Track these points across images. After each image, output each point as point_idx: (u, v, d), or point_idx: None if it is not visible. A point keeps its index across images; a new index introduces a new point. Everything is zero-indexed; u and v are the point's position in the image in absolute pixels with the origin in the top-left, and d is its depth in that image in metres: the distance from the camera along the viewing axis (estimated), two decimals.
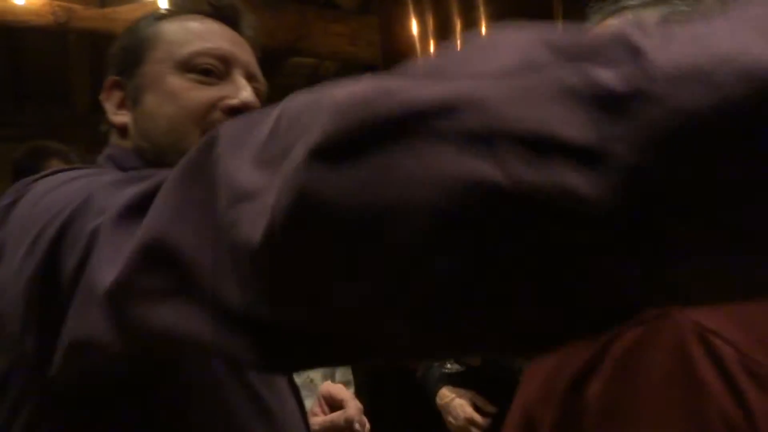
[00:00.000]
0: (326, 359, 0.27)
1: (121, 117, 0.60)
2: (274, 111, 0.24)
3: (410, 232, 0.17)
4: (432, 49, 2.87)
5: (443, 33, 2.82)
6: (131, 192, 0.32)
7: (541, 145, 0.16)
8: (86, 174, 0.44)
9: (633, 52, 0.15)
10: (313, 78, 3.94)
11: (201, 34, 0.60)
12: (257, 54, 0.64)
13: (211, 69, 0.58)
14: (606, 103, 0.15)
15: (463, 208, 0.17)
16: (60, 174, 0.46)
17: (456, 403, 1.39)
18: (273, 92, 0.71)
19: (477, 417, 1.35)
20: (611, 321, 0.19)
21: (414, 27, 2.97)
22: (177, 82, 0.57)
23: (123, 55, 0.62)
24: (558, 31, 0.18)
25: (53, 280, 0.37)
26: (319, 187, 0.18)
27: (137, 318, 0.29)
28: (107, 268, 0.30)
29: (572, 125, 0.16)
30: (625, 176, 0.15)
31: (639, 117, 0.15)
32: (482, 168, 0.16)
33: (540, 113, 0.16)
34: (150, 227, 0.28)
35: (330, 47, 3.46)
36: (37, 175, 0.46)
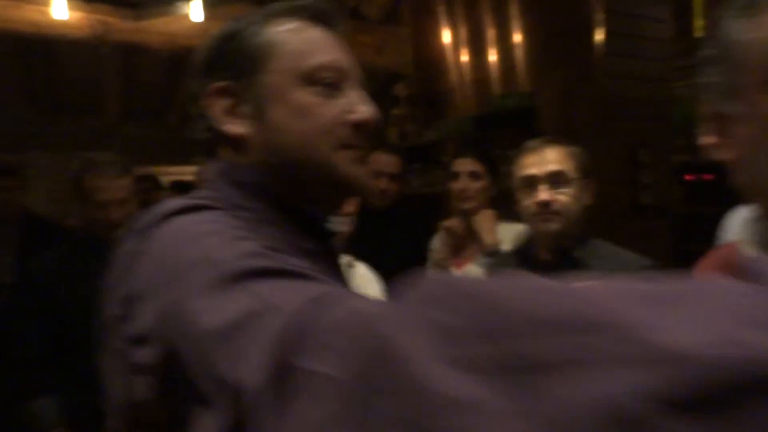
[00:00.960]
0: None
1: (236, 127, 0.56)
2: (458, 300, 0.24)
3: None
4: (464, 58, 2.86)
5: (475, 43, 2.80)
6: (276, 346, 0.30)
7: None
8: (213, 231, 0.43)
9: None
10: None
11: (319, 44, 0.58)
12: None
13: (334, 83, 0.57)
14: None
15: None
16: (183, 220, 0.45)
17: None
18: None
19: None
20: None
21: (446, 37, 2.96)
22: (304, 96, 0.55)
23: (232, 60, 0.57)
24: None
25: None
26: None
27: None
28: None
29: None
30: None
31: None
32: None
33: None
34: None
35: (355, 57, 3.47)
36: (156, 216, 0.46)
